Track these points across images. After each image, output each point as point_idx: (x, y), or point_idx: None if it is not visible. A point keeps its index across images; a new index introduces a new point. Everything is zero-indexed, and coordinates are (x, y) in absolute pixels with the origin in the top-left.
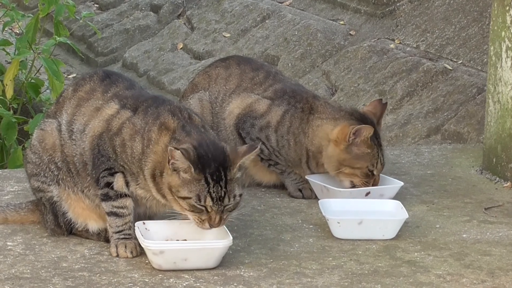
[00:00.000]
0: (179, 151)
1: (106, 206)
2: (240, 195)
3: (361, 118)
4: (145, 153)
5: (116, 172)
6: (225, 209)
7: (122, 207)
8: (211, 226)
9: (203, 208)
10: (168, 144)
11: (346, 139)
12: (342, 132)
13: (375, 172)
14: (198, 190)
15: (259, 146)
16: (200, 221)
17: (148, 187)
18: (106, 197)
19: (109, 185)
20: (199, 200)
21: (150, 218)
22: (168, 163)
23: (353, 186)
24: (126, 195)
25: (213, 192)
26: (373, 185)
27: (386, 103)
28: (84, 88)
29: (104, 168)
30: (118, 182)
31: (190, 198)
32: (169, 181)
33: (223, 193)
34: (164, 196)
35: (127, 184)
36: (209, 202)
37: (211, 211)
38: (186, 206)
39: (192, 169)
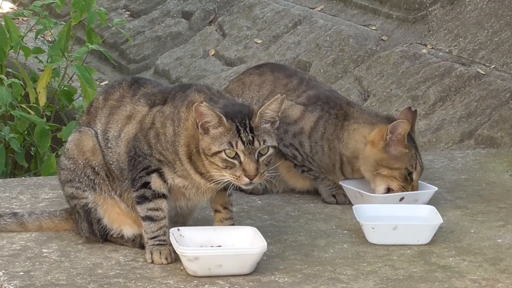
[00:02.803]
0: (204, 102)
1: (142, 209)
2: (274, 147)
3: None
4: (177, 133)
5: (153, 171)
6: (259, 159)
7: (157, 209)
8: (250, 179)
9: (236, 162)
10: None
11: (384, 138)
12: (380, 133)
13: (414, 176)
14: (230, 138)
15: (280, 95)
16: (237, 178)
17: (186, 171)
18: (142, 199)
19: (146, 185)
20: (232, 146)
21: (191, 212)
22: (197, 126)
23: (388, 191)
24: (162, 196)
25: (244, 137)
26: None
27: (416, 110)
28: (114, 96)
29: (142, 168)
30: (156, 182)
31: (221, 151)
32: (201, 145)
33: (251, 137)
34: (202, 175)
35: (164, 181)
36: (240, 146)
37: (244, 159)
38: (219, 163)
39: (224, 119)
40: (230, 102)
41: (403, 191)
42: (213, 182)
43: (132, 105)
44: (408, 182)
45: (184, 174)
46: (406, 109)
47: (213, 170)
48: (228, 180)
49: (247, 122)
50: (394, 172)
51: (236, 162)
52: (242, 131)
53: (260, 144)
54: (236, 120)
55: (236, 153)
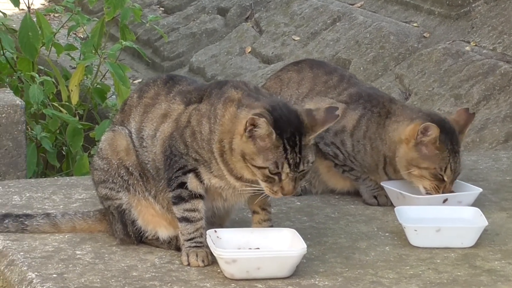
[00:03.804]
0: (263, 118)
1: (178, 210)
2: (313, 162)
3: (438, 121)
4: (213, 130)
5: (190, 171)
6: (298, 176)
7: (193, 210)
8: (284, 195)
9: (276, 178)
10: (237, 112)
11: (415, 137)
12: (413, 130)
13: (445, 178)
14: (276, 157)
15: (339, 114)
16: (272, 192)
17: (221, 172)
18: (178, 200)
19: (182, 185)
20: (277, 167)
21: (228, 212)
22: (245, 130)
23: (428, 193)
24: (199, 196)
25: (291, 159)
26: (444, 193)
27: (474, 113)
28: (149, 94)
29: (178, 168)
30: (192, 182)
31: (265, 168)
32: (242, 148)
33: (298, 159)
34: (237, 178)
35: (201, 181)
36: (286, 168)
37: (285, 179)
38: (260, 176)
39: (274, 135)
40: (275, 101)
41: (437, 190)
42: (251, 186)
43: (167, 103)
44: (440, 181)
45: (219, 174)
46: (462, 109)
47: (248, 174)
48: (261, 189)
49: (297, 139)
50: (423, 172)
51: (276, 178)
52: (289, 151)
53: (304, 166)
54: (285, 136)
55: (279, 172)
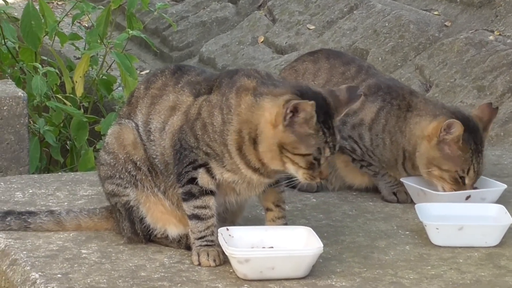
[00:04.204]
0: (312, 101)
1: (188, 207)
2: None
3: (462, 119)
4: (226, 121)
5: (200, 166)
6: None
7: (204, 207)
8: (321, 179)
9: (316, 163)
10: (256, 101)
11: (437, 134)
12: (437, 127)
13: (466, 181)
14: (318, 143)
15: (362, 93)
16: (311, 178)
17: (235, 165)
18: (188, 196)
19: (193, 181)
20: (320, 153)
21: (240, 208)
22: (284, 118)
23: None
24: (210, 193)
25: (330, 142)
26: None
27: (497, 108)
28: (156, 85)
29: (188, 162)
30: (203, 177)
31: (310, 154)
32: (280, 138)
33: (335, 141)
34: (255, 170)
35: (212, 177)
36: (327, 152)
37: (324, 162)
38: (302, 164)
39: (314, 119)
40: (298, 84)
41: None
42: (270, 177)
43: (176, 95)
44: (460, 186)
45: (233, 168)
46: (485, 105)
47: (277, 165)
48: (292, 178)
49: (330, 122)
50: (444, 174)
51: (316, 163)
52: (328, 135)
53: (337, 147)
54: (320, 119)
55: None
